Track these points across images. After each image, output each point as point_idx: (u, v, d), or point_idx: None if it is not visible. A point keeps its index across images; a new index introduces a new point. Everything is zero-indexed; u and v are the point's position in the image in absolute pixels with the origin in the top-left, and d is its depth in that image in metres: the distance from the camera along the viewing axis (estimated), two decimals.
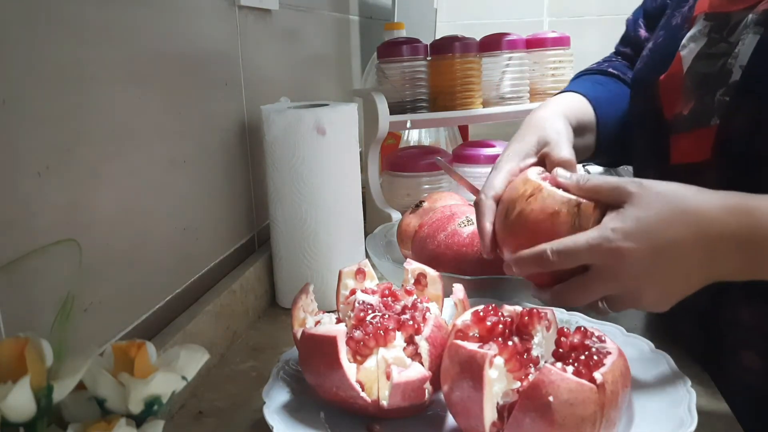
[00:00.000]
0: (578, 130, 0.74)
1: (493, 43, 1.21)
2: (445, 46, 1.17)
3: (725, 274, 0.54)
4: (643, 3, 0.89)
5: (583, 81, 0.85)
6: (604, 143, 0.78)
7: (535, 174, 0.63)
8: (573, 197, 0.58)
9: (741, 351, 0.65)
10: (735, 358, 0.65)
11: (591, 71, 0.89)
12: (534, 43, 1.27)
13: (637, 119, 0.79)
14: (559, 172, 0.61)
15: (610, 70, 0.87)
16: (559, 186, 0.60)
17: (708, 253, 0.53)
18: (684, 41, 0.68)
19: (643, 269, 0.53)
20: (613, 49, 0.96)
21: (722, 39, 0.64)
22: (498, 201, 0.64)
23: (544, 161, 0.67)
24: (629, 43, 0.91)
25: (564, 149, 0.66)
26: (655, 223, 0.53)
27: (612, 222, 0.54)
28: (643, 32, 0.87)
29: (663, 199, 0.53)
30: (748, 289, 0.61)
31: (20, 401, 0.35)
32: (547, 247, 0.56)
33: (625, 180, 0.56)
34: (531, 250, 0.58)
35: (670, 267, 0.54)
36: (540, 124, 0.70)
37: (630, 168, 0.85)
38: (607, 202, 0.57)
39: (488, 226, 0.63)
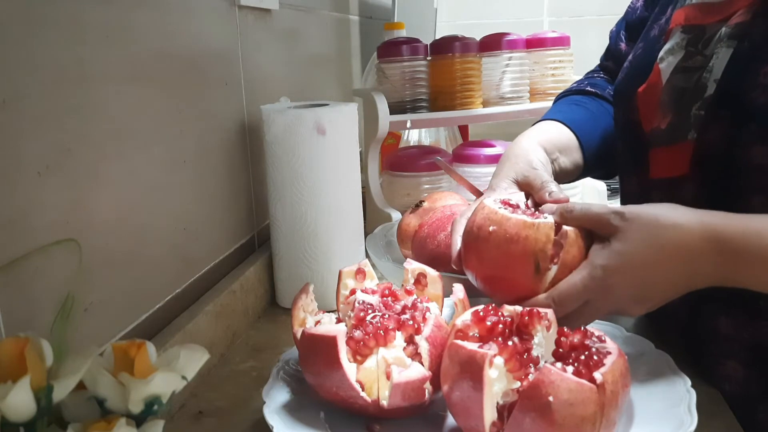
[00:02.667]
0: (561, 154, 0.76)
1: (493, 43, 1.21)
2: (445, 46, 1.17)
3: (703, 285, 0.58)
4: (625, 15, 0.89)
5: (561, 105, 0.87)
6: (590, 161, 0.80)
7: (493, 202, 0.64)
8: (535, 221, 0.60)
9: (723, 360, 0.65)
10: (717, 368, 0.66)
11: (571, 92, 0.91)
12: (534, 43, 1.27)
13: (619, 132, 0.80)
14: (545, 208, 0.64)
15: (589, 88, 0.89)
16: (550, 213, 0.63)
17: (687, 274, 0.57)
18: (662, 54, 0.68)
19: (631, 295, 0.59)
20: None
21: (698, 52, 0.65)
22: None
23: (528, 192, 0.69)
24: (611, 56, 0.91)
25: (544, 178, 0.68)
26: (639, 258, 0.57)
27: (599, 259, 0.58)
28: (623, 45, 0.88)
29: (645, 232, 0.57)
30: (727, 299, 0.64)
31: (20, 401, 0.35)
32: (549, 298, 0.59)
33: (608, 211, 0.59)
34: (534, 300, 0.59)
35: (653, 290, 0.59)
36: (520, 156, 0.72)
37: None
38: (594, 231, 0.60)
39: (457, 239, 0.67)
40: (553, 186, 0.66)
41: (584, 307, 0.59)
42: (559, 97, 0.92)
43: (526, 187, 0.69)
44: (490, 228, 0.60)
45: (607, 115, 0.84)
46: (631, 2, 0.88)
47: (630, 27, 0.87)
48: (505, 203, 0.63)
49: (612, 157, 0.82)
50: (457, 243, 0.67)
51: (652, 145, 0.68)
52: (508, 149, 0.75)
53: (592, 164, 0.81)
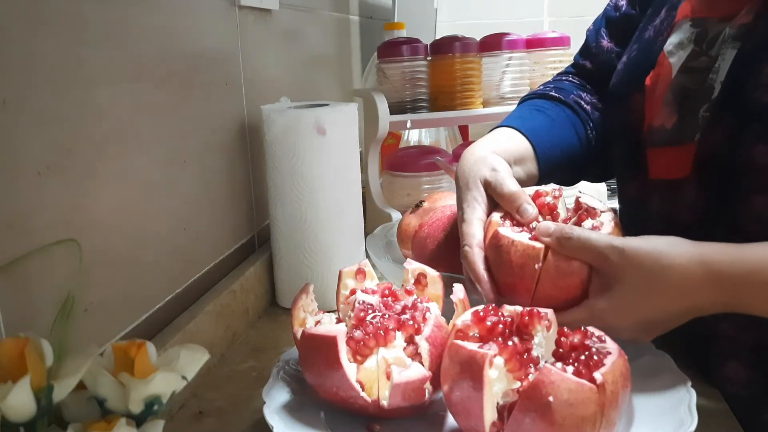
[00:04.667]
0: (515, 164, 0.73)
1: (493, 43, 1.21)
2: (445, 46, 1.17)
3: (705, 314, 0.58)
4: (604, 12, 0.87)
5: (522, 110, 0.84)
6: (544, 169, 0.77)
7: (499, 218, 0.64)
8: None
9: (725, 362, 0.65)
10: (719, 369, 0.66)
11: (535, 95, 0.88)
12: (534, 43, 1.27)
13: (615, 134, 0.79)
14: (541, 229, 0.61)
15: (552, 93, 0.85)
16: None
17: (688, 309, 0.57)
18: (671, 47, 0.67)
19: (632, 330, 0.59)
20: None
21: (702, 52, 0.64)
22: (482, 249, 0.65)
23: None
24: (589, 55, 0.88)
25: (506, 184, 0.66)
26: (641, 302, 0.57)
27: (599, 303, 0.58)
28: (605, 42, 0.85)
29: (645, 275, 0.56)
30: None
31: (20, 401, 0.35)
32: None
33: (607, 245, 0.57)
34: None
35: (655, 325, 0.59)
36: (476, 168, 0.69)
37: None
38: (592, 263, 0.59)
39: (483, 273, 0.63)
40: (525, 204, 0.64)
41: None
42: (523, 100, 0.89)
43: (492, 192, 0.67)
44: (536, 266, 0.59)
45: (567, 122, 0.82)
46: (611, 0, 0.86)
47: (612, 24, 0.85)
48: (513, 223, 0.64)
49: (570, 165, 0.80)
50: (484, 275, 0.63)
51: (651, 144, 0.67)
52: (463, 160, 0.72)
53: (547, 173, 0.78)
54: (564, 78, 0.91)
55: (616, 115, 0.78)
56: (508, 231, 0.62)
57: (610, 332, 0.56)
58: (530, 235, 0.61)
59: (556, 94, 0.85)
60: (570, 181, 0.86)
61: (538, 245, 0.60)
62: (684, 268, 0.56)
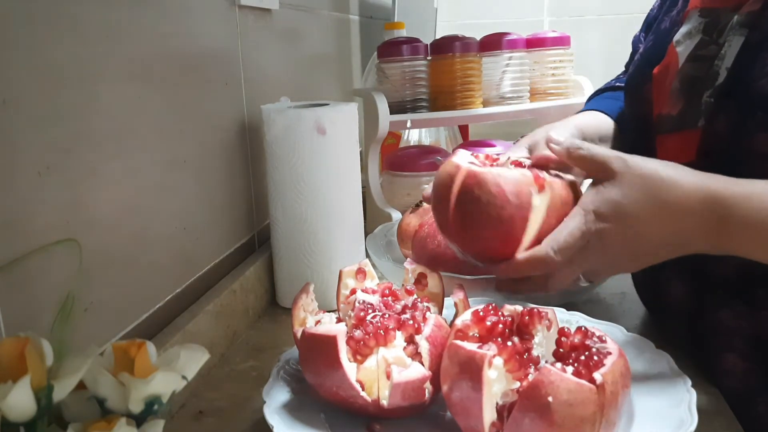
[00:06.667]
0: (601, 141, 0.76)
1: (493, 43, 1.21)
2: (445, 46, 1.17)
3: (696, 249, 0.57)
4: (645, 17, 0.90)
5: (599, 99, 0.88)
6: (624, 152, 0.79)
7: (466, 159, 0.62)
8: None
9: (723, 354, 0.66)
10: (717, 362, 0.66)
11: (604, 89, 0.92)
12: (534, 43, 1.27)
13: (628, 123, 0.80)
14: (552, 136, 0.61)
15: (619, 84, 0.90)
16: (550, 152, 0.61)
17: (681, 234, 0.56)
18: (679, 37, 0.68)
19: (622, 245, 0.57)
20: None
21: (712, 41, 0.65)
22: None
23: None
24: (631, 58, 0.93)
25: (556, 133, 0.65)
26: (632, 207, 0.56)
27: (591, 204, 0.57)
28: (641, 46, 0.88)
29: (642, 182, 0.56)
30: (729, 291, 0.64)
31: (20, 401, 0.35)
32: (549, 248, 0.57)
33: (611, 155, 0.58)
34: (533, 253, 0.57)
35: (645, 245, 0.57)
36: (541, 131, 0.71)
37: None
38: (591, 174, 0.59)
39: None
40: (553, 133, 0.63)
41: (582, 256, 0.57)
42: (593, 95, 0.93)
43: (534, 148, 0.68)
44: (530, 190, 0.58)
45: None
46: (654, 3, 0.89)
47: (648, 27, 0.88)
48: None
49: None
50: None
51: (660, 131, 0.68)
52: (543, 127, 0.73)
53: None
54: (621, 75, 0.95)
55: (630, 105, 0.79)
56: (488, 168, 0.59)
57: (601, 246, 0.56)
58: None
59: (622, 85, 0.87)
60: None
61: (528, 172, 0.59)
62: (684, 186, 0.55)
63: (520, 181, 0.58)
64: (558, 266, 0.57)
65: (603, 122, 0.79)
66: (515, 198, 0.57)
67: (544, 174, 0.60)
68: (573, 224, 0.57)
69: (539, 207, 0.58)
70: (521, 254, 0.57)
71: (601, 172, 0.58)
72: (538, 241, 0.58)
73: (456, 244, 0.61)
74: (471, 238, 0.59)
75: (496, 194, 0.57)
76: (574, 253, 0.57)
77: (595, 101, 0.87)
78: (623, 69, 0.97)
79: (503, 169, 0.59)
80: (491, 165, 0.62)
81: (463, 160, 0.60)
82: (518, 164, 0.63)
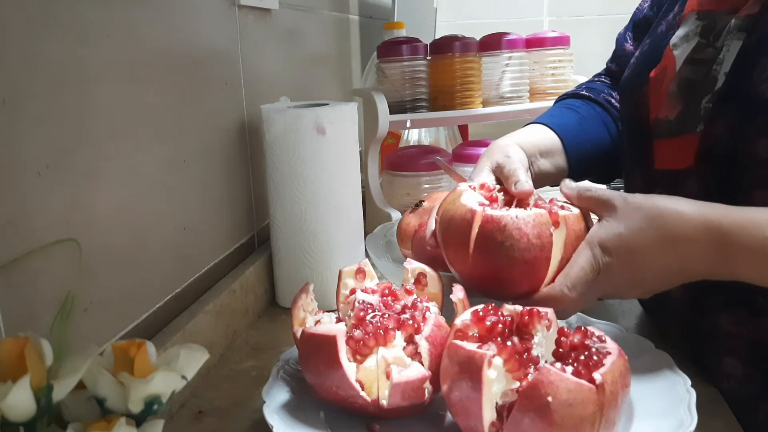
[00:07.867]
0: (541, 156, 0.77)
1: (493, 43, 1.21)
2: (445, 46, 1.17)
3: (699, 276, 0.58)
4: (632, 15, 0.90)
5: (553, 109, 0.89)
6: (576, 164, 0.81)
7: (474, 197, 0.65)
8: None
9: (723, 357, 0.66)
10: (717, 365, 0.66)
11: (568, 95, 0.93)
12: (534, 43, 1.27)
13: (624, 126, 0.80)
14: (566, 182, 0.65)
15: (583, 92, 0.90)
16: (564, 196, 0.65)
17: (683, 263, 0.58)
18: (676, 40, 0.68)
19: (626, 277, 0.60)
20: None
21: (709, 44, 0.65)
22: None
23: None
24: (616, 58, 0.92)
25: (518, 172, 0.68)
26: (635, 240, 0.58)
27: (596, 238, 0.60)
28: (628, 45, 0.89)
29: (643, 215, 0.58)
30: (728, 296, 0.64)
31: (20, 401, 0.35)
32: (563, 286, 0.59)
33: (613, 194, 0.61)
34: (548, 291, 0.60)
35: (648, 275, 0.59)
36: (496, 150, 0.73)
37: None
38: (596, 212, 0.62)
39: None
40: (521, 174, 0.67)
41: (592, 287, 0.60)
42: (558, 100, 0.93)
43: (499, 174, 0.70)
44: (551, 230, 0.60)
45: (597, 119, 0.85)
46: (640, 3, 0.89)
47: (636, 27, 0.88)
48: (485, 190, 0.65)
49: (603, 161, 0.83)
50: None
51: (657, 135, 0.68)
52: (489, 146, 0.76)
53: (581, 168, 0.81)
54: (596, 79, 0.95)
55: (626, 108, 0.79)
56: (505, 211, 0.61)
57: (606, 278, 0.59)
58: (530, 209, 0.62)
59: (587, 93, 0.89)
60: (607, 179, 0.90)
61: (543, 211, 0.60)
62: (683, 216, 0.57)
63: (539, 222, 0.60)
64: (572, 302, 0.59)
65: (545, 137, 0.80)
66: (537, 240, 0.59)
67: (556, 209, 0.62)
68: (582, 260, 0.59)
69: (557, 243, 0.60)
70: (537, 294, 0.60)
71: (604, 209, 0.61)
72: (557, 274, 0.60)
73: (475, 285, 0.63)
74: (493, 279, 0.61)
75: (519, 238, 0.59)
76: (584, 285, 0.59)
77: (549, 111, 0.88)
78: (604, 67, 0.96)
79: (520, 211, 0.61)
80: (492, 198, 0.65)
81: (472, 201, 0.63)
82: (488, 189, 0.66)
